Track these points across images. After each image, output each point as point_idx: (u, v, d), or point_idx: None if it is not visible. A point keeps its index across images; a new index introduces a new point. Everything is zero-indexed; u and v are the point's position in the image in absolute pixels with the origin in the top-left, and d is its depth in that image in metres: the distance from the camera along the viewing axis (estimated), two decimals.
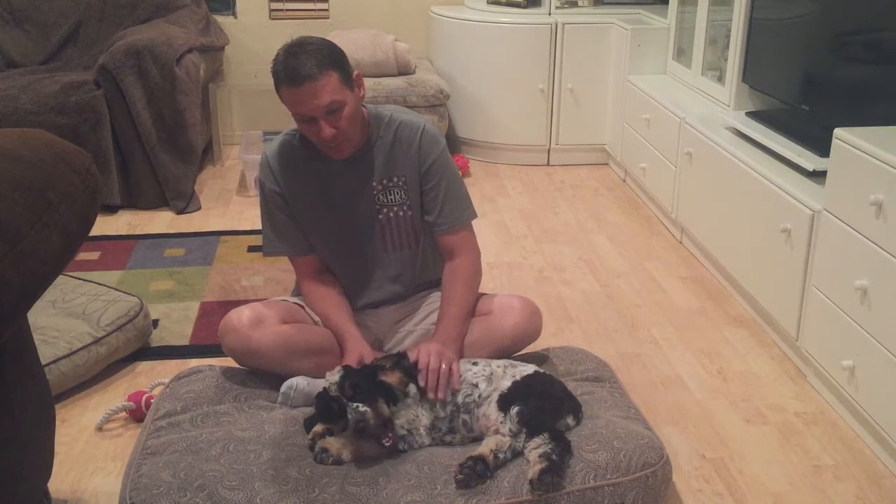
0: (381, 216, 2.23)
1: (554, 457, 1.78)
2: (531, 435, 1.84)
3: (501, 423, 1.89)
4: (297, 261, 2.30)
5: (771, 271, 2.69)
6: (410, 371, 1.99)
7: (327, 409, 1.92)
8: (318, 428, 1.94)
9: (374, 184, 2.21)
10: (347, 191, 2.22)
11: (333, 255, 2.29)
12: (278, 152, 2.23)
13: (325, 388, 1.95)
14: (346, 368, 1.95)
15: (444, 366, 1.99)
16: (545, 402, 1.93)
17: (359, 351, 2.12)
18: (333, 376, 1.92)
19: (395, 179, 2.21)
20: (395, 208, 2.23)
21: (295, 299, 2.33)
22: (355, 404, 1.85)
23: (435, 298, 2.34)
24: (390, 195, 2.22)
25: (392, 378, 1.95)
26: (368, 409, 1.85)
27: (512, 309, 2.23)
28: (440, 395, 1.96)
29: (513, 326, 2.21)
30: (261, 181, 2.25)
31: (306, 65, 2.00)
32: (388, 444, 1.88)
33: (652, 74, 4.07)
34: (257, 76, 4.82)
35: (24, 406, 1.54)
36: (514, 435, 1.85)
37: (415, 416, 1.95)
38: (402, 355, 2.06)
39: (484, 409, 1.95)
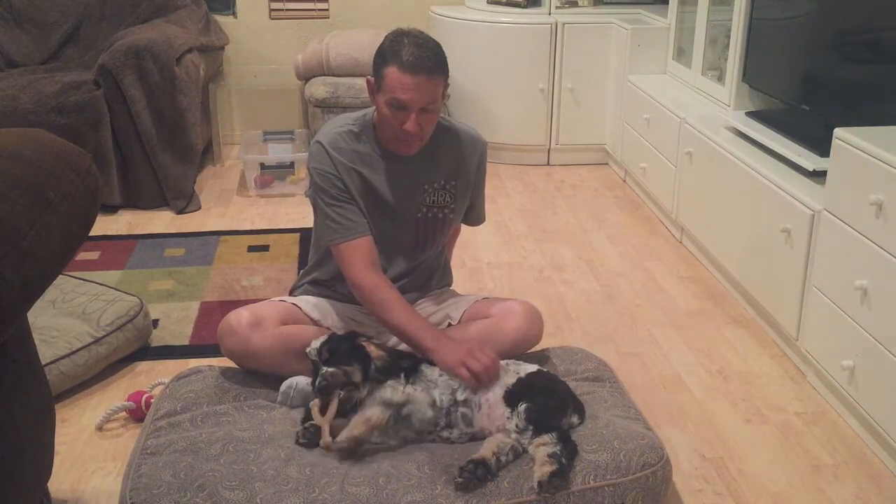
0: (419, 215, 2.27)
1: (563, 459, 1.78)
2: (538, 432, 1.84)
3: (508, 418, 1.89)
4: (355, 248, 2.15)
5: (771, 271, 2.69)
6: (401, 364, 2.02)
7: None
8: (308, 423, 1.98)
9: (426, 186, 2.26)
10: (397, 186, 2.23)
11: None
12: (335, 139, 2.21)
13: (306, 351, 2.03)
14: (331, 335, 2.03)
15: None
16: (552, 400, 1.94)
17: (463, 352, 1.99)
18: (316, 342, 2.02)
19: (446, 184, 2.28)
20: (437, 210, 2.29)
21: (293, 300, 2.33)
22: (325, 368, 1.93)
23: (433, 297, 2.37)
24: (438, 197, 2.28)
25: (376, 352, 2.00)
26: (335, 370, 1.91)
27: (513, 313, 2.23)
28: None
29: (514, 331, 2.22)
30: (314, 168, 2.19)
31: (429, 60, 2.06)
32: (337, 399, 1.92)
33: (652, 74, 4.07)
34: (257, 76, 4.83)
35: (24, 406, 1.54)
36: (521, 431, 1.86)
37: (404, 392, 1.95)
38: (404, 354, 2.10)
39: (489, 401, 1.95)
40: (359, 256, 2.15)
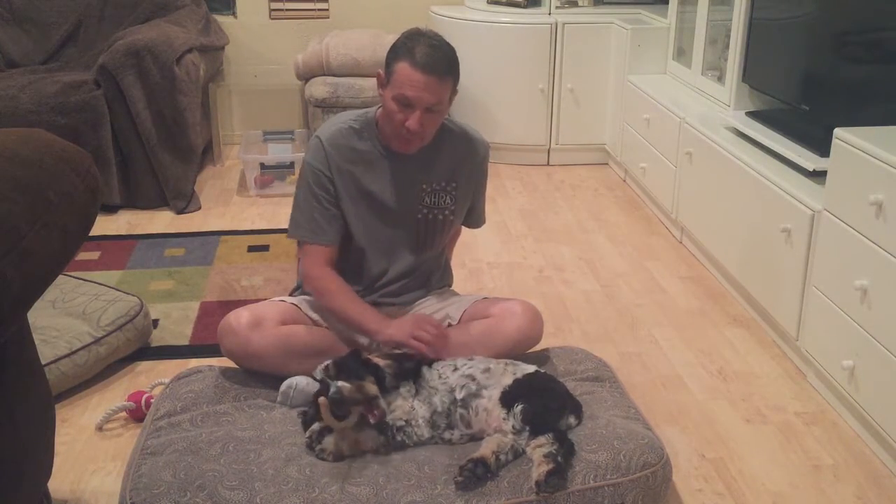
0: (419, 216, 2.27)
1: (560, 458, 1.78)
2: (534, 433, 1.84)
3: (504, 419, 1.89)
4: (314, 249, 2.24)
5: (771, 271, 2.69)
6: (406, 366, 2.01)
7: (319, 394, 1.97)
8: (316, 426, 1.95)
9: (424, 185, 2.26)
10: (395, 185, 2.24)
11: (365, 243, 2.28)
12: (335, 135, 2.23)
13: (312, 374, 1.99)
14: (334, 359, 1.99)
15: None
16: (549, 401, 1.93)
17: (410, 325, 2.14)
18: (321, 364, 1.98)
19: (446, 185, 2.28)
20: (437, 211, 2.29)
21: (293, 300, 2.33)
22: (336, 382, 1.89)
23: (431, 301, 2.37)
24: (438, 198, 2.28)
25: (382, 361, 1.99)
26: (347, 385, 1.88)
27: (513, 314, 2.23)
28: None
29: (514, 331, 2.22)
30: (308, 162, 2.23)
31: (442, 61, 2.09)
32: (373, 421, 1.89)
33: (652, 74, 4.07)
34: (257, 76, 4.83)
35: (24, 406, 1.54)
36: (518, 432, 1.85)
37: (410, 408, 1.95)
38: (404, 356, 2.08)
39: (484, 404, 1.95)
40: (316, 256, 2.24)
